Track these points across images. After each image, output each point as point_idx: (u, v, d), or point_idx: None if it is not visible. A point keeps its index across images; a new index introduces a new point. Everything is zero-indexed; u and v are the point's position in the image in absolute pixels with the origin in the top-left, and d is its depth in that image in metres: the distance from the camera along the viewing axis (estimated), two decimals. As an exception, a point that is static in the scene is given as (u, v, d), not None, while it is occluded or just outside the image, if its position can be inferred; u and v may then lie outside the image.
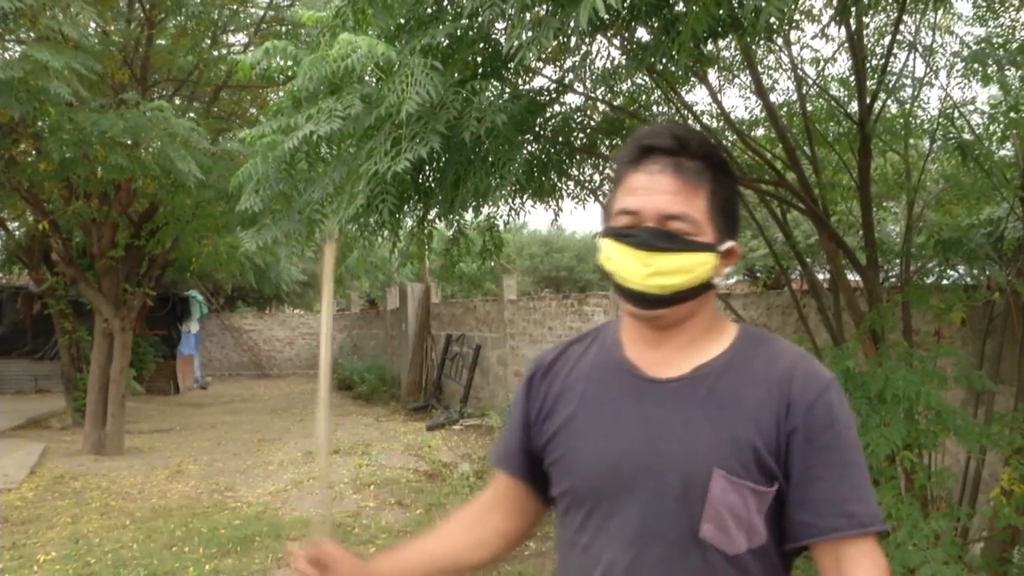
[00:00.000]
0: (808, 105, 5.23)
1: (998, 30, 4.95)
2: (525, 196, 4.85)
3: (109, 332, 10.26)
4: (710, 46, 3.92)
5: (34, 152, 8.87)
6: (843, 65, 5.60)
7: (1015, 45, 4.63)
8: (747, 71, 5.14)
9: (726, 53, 5.32)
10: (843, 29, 4.45)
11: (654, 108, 5.23)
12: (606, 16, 2.18)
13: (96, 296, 10.18)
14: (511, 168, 3.12)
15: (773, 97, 5.49)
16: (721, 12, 2.72)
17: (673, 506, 1.26)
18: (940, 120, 4.95)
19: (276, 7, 9.61)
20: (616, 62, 3.90)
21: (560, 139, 4.46)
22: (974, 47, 4.71)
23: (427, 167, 3.69)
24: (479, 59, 3.60)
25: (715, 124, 5.46)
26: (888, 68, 4.73)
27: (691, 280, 1.28)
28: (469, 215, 4.43)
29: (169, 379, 17.76)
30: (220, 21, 9.55)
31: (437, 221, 4.33)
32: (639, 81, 4.91)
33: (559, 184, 5.12)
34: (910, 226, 5.00)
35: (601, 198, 5.51)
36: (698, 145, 1.31)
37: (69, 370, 12.62)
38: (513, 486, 1.52)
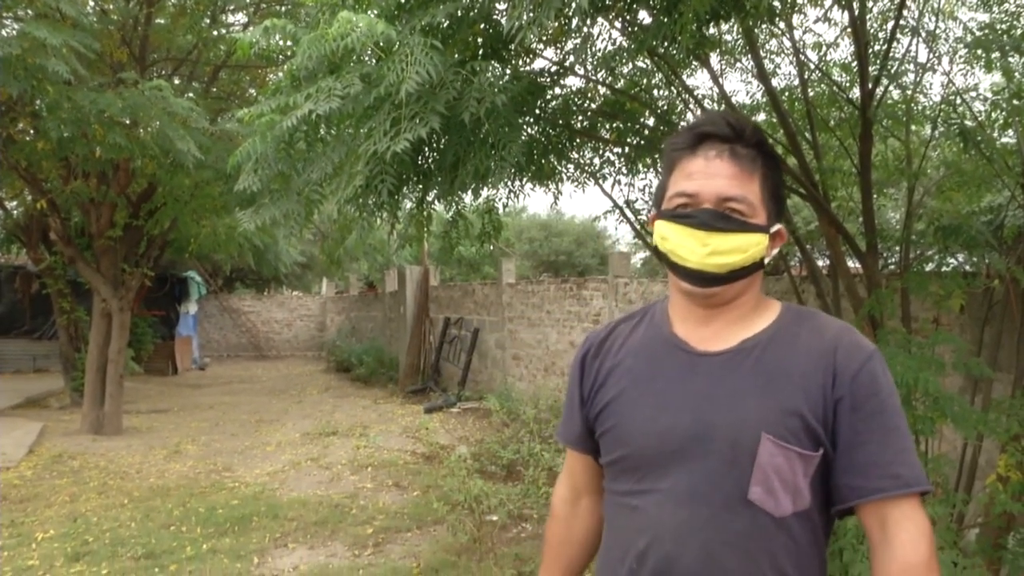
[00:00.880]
0: (810, 90, 5.21)
1: (1002, 16, 4.92)
2: (525, 178, 4.84)
3: (107, 312, 10.26)
4: (712, 29, 3.89)
5: (32, 131, 8.84)
6: (845, 50, 5.59)
7: (1019, 31, 4.60)
8: (749, 55, 5.11)
9: (728, 37, 5.30)
10: (846, 13, 4.42)
11: (655, 92, 5.21)
12: (608, -4, 2.16)
13: (94, 276, 10.16)
14: (511, 150, 3.11)
15: (775, 82, 5.47)
16: (724, -6, 2.71)
17: (723, 470, 1.32)
18: (942, 106, 4.93)
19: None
20: (617, 44, 3.88)
21: (560, 121, 4.44)
22: (977, 33, 4.68)
23: (426, 148, 3.67)
24: (480, 40, 3.58)
25: (716, 108, 5.43)
26: (891, 53, 4.71)
27: (745, 259, 1.36)
28: (468, 197, 4.42)
29: (167, 360, 17.78)
30: (219, 0, 9.49)
31: (436, 203, 4.32)
32: (640, 64, 4.89)
33: (559, 167, 5.11)
34: (910, 213, 4.99)
35: (601, 181, 5.50)
36: (752, 133, 1.39)
37: (67, 350, 12.63)
38: (583, 460, 1.61)
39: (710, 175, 1.36)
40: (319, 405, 12.84)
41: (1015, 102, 4.54)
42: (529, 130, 4.26)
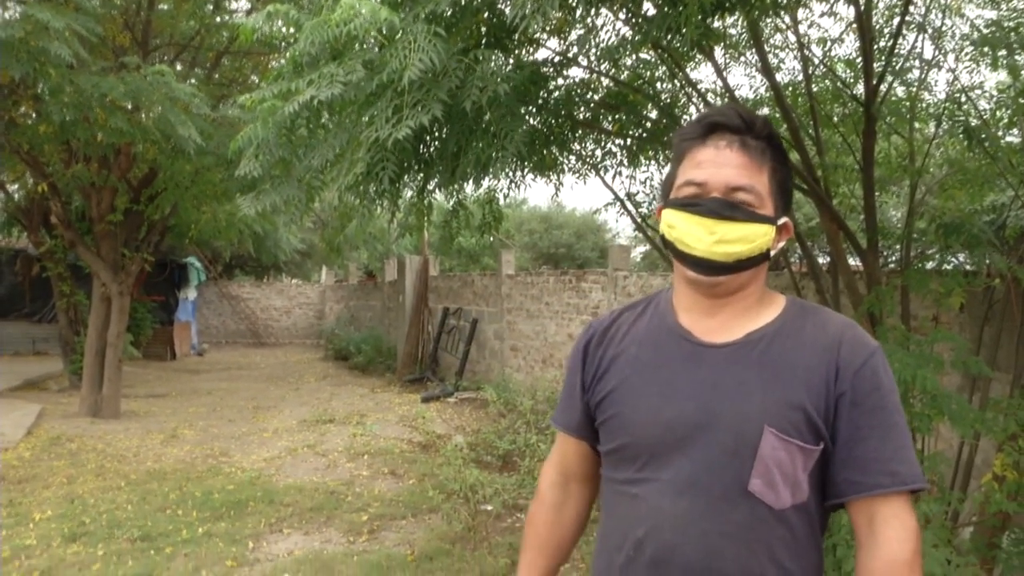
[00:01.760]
0: (814, 86, 5.19)
1: (1009, 13, 4.89)
2: (526, 169, 4.82)
3: (107, 296, 10.26)
4: (717, 22, 3.87)
5: (34, 114, 8.82)
6: (850, 46, 5.56)
7: (1026, 29, 4.57)
8: (753, 49, 5.09)
9: (732, 30, 5.27)
10: (852, 8, 4.39)
11: (658, 84, 5.19)
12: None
13: (94, 260, 10.16)
14: (513, 139, 3.10)
15: (779, 76, 5.45)
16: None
17: (724, 461, 1.33)
18: (947, 104, 4.90)
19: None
20: (621, 35, 3.87)
21: (563, 112, 4.42)
22: (984, 30, 4.65)
23: (428, 136, 3.66)
24: (483, 28, 3.57)
25: (720, 102, 5.42)
26: (896, 49, 4.68)
27: (752, 249, 1.37)
28: (469, 187, 4.41)
29: (166, 345, 17.79)
30: (223, -14, 9.46)
31: (437, 192, 4.31)
32: (644, 56, 4.87)
33: (560, 158, 5.10)
34: (912, 210, 4.97)
35: (602, 173, 5.49)
36: (762, 126, 1.40)
37: (67, 333, 12.64)
38: (578, 446, 1.61)
39: (720, 164, 1.36)
40: (316, 393, 12.86)
41: (1021, 100, 4.52)
42: (531, 120, 4.25)
